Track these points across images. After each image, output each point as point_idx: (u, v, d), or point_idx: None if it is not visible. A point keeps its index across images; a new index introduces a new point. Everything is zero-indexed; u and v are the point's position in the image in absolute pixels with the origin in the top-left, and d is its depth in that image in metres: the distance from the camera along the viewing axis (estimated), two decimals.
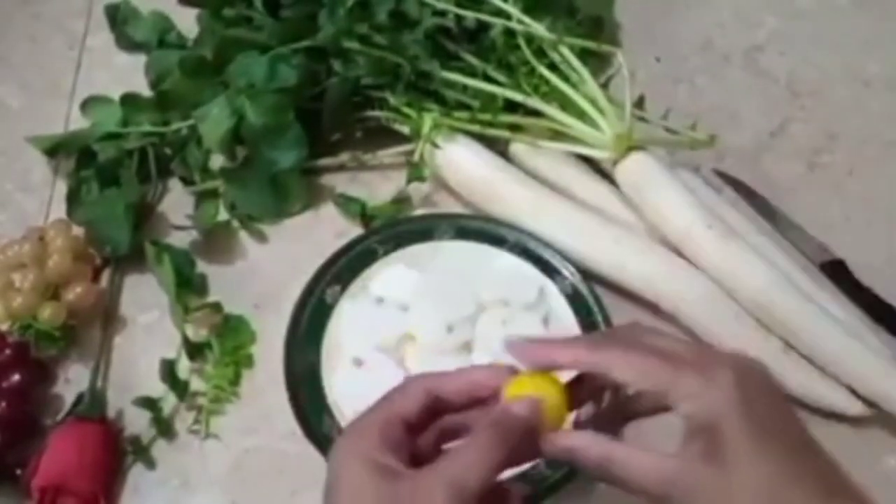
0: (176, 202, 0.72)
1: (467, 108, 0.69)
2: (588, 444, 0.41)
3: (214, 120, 0.69)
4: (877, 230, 0.71)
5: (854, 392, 0.60)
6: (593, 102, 0.66)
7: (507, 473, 0.44)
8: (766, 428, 0.39)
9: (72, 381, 0.63)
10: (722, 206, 0.67)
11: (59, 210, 0.70)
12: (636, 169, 0.65)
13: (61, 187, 0.72)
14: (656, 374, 0.40)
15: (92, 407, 0.61)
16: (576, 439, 0.42)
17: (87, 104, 0.76)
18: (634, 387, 0.41)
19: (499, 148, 0.71)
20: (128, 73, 0.77)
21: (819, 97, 0.78)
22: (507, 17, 0.69)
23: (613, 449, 0.41)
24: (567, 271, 0.65)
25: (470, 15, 0.69)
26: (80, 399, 0.62)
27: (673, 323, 0.64)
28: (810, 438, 0.41)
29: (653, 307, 0.65)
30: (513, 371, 0.44)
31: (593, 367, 0.42)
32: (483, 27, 0.70)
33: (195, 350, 0.63)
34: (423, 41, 0.69)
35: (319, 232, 0.70)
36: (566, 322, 0.63)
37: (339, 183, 0.73)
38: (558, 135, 0.68)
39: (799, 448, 0.40)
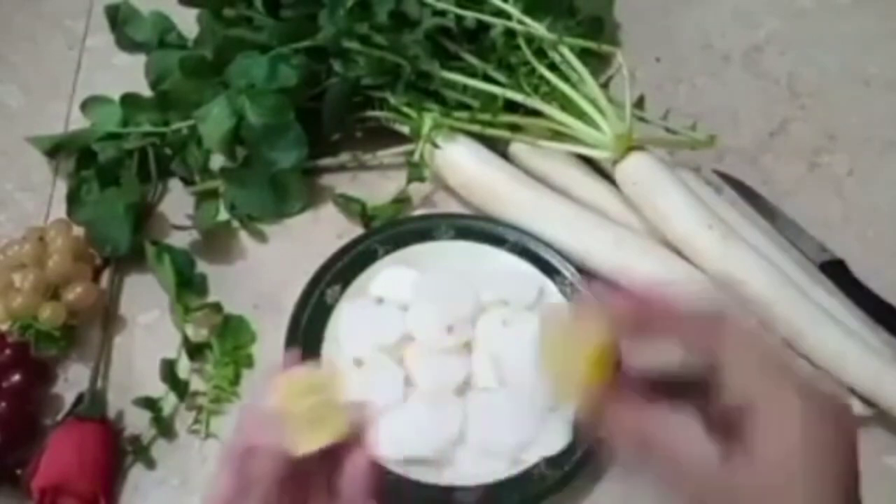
0: (176, 202, 0.72)
1: (467, 108, 0.69)
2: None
3: (214, 120, 0.69)
4: (877, 230, 0.71)
5: (854, 392, 0.60)
6: (593, 102, 0.66)
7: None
8: None
9: (72, 381, 0.63)
10: (722, 206, 0.67)
11: (59, 210, 0.70)
12: (636, 169, 0.65)
13: (61, 187, 0.71)
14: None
15: (92, 407, 0.61)
16: None
17: (87, 104, 0.75)
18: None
19: (499, 148, 0.71)
20: (128, 73, 0.77)
21: (819, 97, 0.78)
22: (508, 17, 0.69)
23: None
24: (567, 271, 0.65)
25: (470, 15, 0.69)
26: (80, 399, 0.62)
27: None
28: None
29: None
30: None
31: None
32: (483, 27, 0.70)
33: (195, 350, 0.64)
34: (423, 41, 0.69)
35: (319, 232, 0.70)
36: None
37: (339, 183, 0.73)
38: (558, 135, 0.68)
39: None
